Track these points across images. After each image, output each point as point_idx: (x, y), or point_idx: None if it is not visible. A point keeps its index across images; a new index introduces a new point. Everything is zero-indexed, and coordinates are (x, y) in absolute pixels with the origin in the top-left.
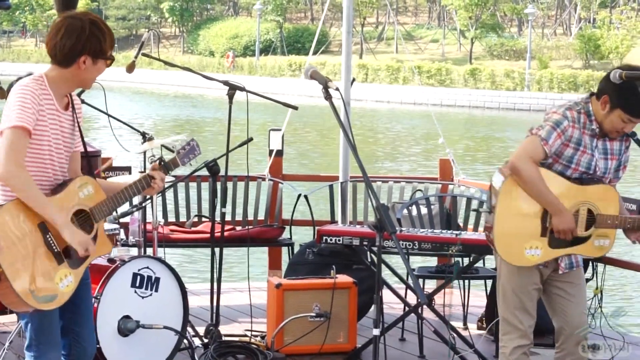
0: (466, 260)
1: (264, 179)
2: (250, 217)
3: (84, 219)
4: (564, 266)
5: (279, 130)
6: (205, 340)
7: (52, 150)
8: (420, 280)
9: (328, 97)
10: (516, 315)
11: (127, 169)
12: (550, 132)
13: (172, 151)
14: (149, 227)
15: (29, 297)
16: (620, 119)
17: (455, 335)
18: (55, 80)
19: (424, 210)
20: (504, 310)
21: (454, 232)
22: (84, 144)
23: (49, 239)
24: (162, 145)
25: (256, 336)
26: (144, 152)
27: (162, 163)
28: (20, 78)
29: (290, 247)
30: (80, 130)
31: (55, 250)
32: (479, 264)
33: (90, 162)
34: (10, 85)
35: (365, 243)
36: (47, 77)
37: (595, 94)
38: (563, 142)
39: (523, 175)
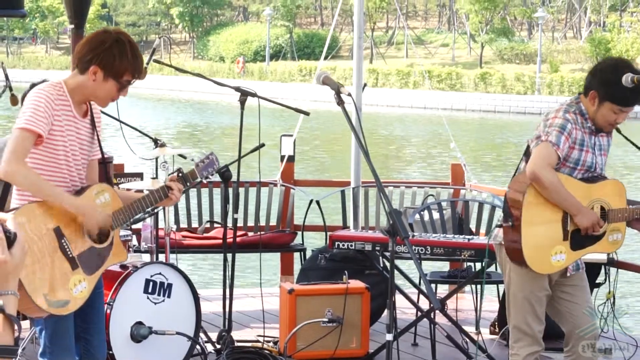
0: (478, 265)
1: (275, 185)
2: (262, 223)
3: None
4: (571, 268)
5: (291, 135)
6: (218, 346)
7: (68, 155)
8: (433, 285)
9: (340, 102)
10: (528, 322)
11: (139, 175)
12: (559, 136)
13: (185, 158)
14: (161, 233)
15: (42, 302)
16: (612, 111)
17: (467, 340)
18: (73, 87)
19: (436, 215)
20: (515, 318)
21: (466, 237)
22: (102, 151)
23: (64, 243)
24: (179, 155)
25: (269, 342)
26: (156, 159)
27: (180, 175)
28: (33, 84)
29: (302, 253)
30: (98, 139)
31: (70, 255)
32: (491, 268)
33: (107, 169)
34: (25, 94)
35: (377, 248)
36: (66, 83)
37: (584, 92)
38: (570, 145)
39: (544, 182)
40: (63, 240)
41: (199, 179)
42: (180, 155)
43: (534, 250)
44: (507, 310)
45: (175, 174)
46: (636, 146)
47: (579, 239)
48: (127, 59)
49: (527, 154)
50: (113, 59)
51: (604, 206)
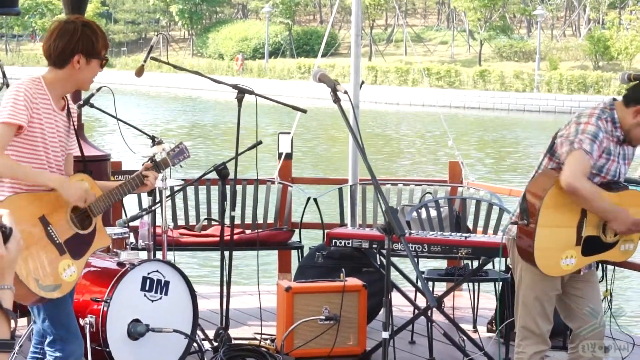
0: (475, 263)
1: (273, 182)
2: (260, 221)
3: (82, 215)
4: (584, 267)
5: (288, 133)
6: (215, 344)
7: (48, 148)
8: (430, 283)
9: (336, 100)
10: (537, 321)
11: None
12: (592, 145)
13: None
14: (158, 230)
15: (34, 287)
16: None
17: (464, 337)
18: (52, 82)
19: (433, 212)
20: (524, 317)
21: (464, 234)
22: (81, 148)
23: (50, 230)
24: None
25: (266, 339)
26: (154, 156)
27: (154, 162)
28: None
29: (299, 250)
30: (76, 134)
31: (57, 241)
32: (488, 266)
33: (87, 166)
34: None
35: (374, 246)
36: (44, 78)
37: (624, 101)
38: (599, 153)
39: (583, 193)
40: (49, 228)
41: (171, 166)
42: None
43: (545, 252)
44: (515, 308)
45: (149, 162)
46: None
47: (592, 245)
48: (100, 36)
49: (551, 151)
50: (91, 41)
51: None
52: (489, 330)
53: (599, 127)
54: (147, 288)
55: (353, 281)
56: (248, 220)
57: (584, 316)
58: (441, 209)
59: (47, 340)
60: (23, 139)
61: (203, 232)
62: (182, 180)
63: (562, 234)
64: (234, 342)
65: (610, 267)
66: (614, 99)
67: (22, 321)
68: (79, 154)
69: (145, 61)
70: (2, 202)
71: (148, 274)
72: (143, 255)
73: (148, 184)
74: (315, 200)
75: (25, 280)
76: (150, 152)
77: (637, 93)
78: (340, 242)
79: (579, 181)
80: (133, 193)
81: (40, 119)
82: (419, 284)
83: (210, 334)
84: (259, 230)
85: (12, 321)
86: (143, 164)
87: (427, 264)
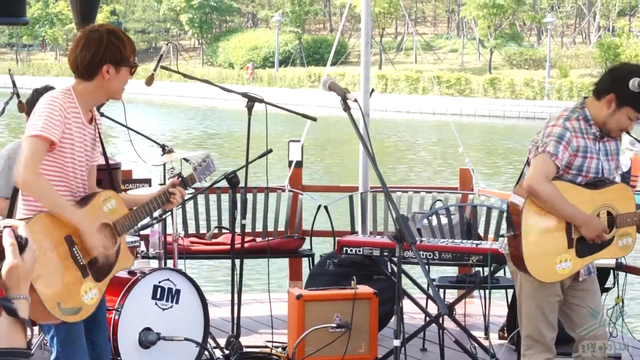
0: (486, 270)
1: (283, 190)
2: (271, 229)
3: (107, 233)
4: (583, 272)
5: (298, 141)
6: (226, 352)
7: (75, 163)
8: (441, 291)
9: (347, 108)
10: (540, 330)
11: (147, 181)
12: (557, 146)
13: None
14: (169, 239)
15: (55, 309)
16: (628, 117)
17: (476, 345)
18: (82, 94)
19: (444, 220)
20: (528, 326)
21: (474, 242)
22: (106, 158)
23: (75, 252)
24: (183, 159)
25: (277, 347)
26: (164, 165)
27: (181, 179)
28: (36, 90)
29: (310, 258)
30: (102, 145)
31: (81, 263)
32: (500, 273)
33: (112, 176)
34: (28, 100)
35: (385, 253)
36: (74, 90)
37: (595, 95)
38: (570, 153)
39: (542, 196)
40: (74, 249)
41: (197, 182)
42: (186, 160)
43: (537, 259)
44: (519, 318)
45: (177, 179)
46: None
47: (586, 245)
48: (127, 42)
49: (529, 160)
50: (118, 49)
51: (610, 211)
52: (500, 337)
53: (565, 127)
54: (158, 296)
55: (364, 289)
56: (259, 228)
57: (584, 317)
58: (452, 216)
59: (52, 356)
60: (52, 155)
61: (214, 241)
62: (193, 188)
63: (552, 239)
64: (245, 350)
65: (622, 274)
66: (585, 97)
67: (34, 329)
68: (102, 162)
69: (155, 70)
70: (31, 220)
71: (159, 282)
72: (154, 263)
73: (174, 201)
74: (325, 208)
75: (46, 303)
76: (161, 160)
77: (605, 83)
78: (351, 250)
79: (537, 184)
80: (159, 209)
81: (72, 134)
82: (430, 292)
83: (222, 342)
84: (270, 238)
85: (28, 330)
86: (169, 178)
87: (438, 272)
